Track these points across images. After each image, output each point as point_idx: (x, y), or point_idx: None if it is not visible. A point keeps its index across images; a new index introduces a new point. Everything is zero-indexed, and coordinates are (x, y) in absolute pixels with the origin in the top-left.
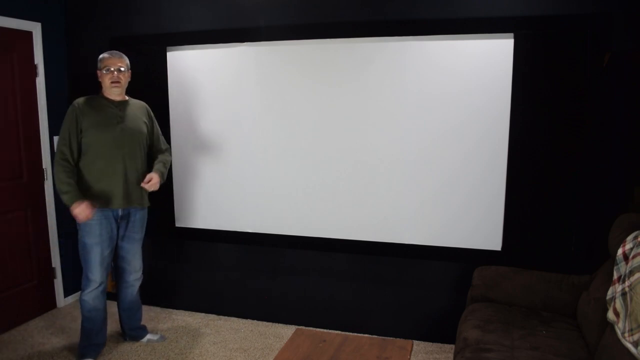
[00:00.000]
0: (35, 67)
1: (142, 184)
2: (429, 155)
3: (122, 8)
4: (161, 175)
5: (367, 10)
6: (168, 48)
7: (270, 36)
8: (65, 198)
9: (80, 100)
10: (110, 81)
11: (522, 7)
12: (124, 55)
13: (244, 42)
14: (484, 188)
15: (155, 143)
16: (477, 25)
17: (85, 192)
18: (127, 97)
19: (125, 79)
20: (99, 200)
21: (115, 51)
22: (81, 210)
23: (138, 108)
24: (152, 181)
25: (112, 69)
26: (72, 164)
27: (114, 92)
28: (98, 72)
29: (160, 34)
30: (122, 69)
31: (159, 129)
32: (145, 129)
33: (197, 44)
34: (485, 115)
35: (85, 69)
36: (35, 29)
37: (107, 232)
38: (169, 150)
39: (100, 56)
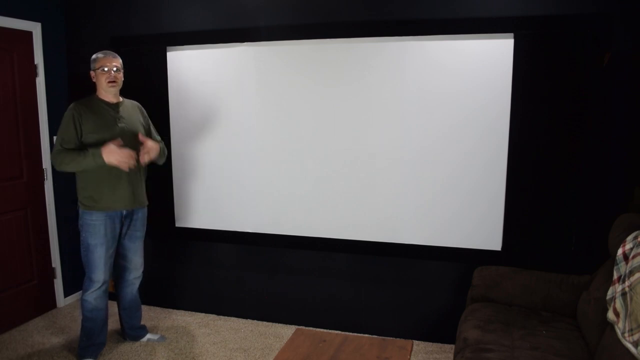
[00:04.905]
0: (35, 67)
1: (141, 154)
2: (428, 155)
3: (121, 8)
4: (160, 149)
5: (367, 11)
6: (168, 48)
7: (270, 36)
8: (91, 161)
9: (78, 103)
10: (107, 81)
11: (522, 7)
12: (117, 55)
13: (244, 42)
14: (484, 188)
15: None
16: (477, 25)
17: (90, 196)
18: (121, 98)
19: (120, 78)
20: (105, 204)
21: (108, 51)
22: (116, 154)
23: (133, 108)
24: (148, 144)
25: (108, 68)
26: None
27: (111, 91)
28: (92, 72)
29: (160, 34)
30: (118, 68)
31: (152, 125)
32: (142, 129)
33: (197, 44)
34: (485, 115)
35: (86, 69)
36: (35, 29)
37: (111, 232)
38: (163, 142)
39: (94, 56)
